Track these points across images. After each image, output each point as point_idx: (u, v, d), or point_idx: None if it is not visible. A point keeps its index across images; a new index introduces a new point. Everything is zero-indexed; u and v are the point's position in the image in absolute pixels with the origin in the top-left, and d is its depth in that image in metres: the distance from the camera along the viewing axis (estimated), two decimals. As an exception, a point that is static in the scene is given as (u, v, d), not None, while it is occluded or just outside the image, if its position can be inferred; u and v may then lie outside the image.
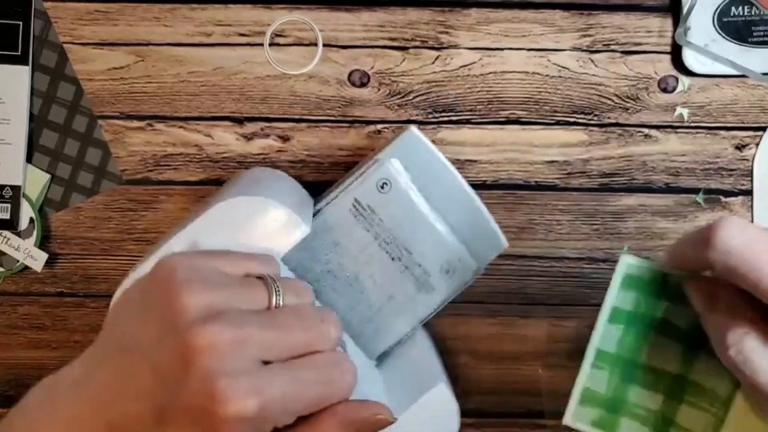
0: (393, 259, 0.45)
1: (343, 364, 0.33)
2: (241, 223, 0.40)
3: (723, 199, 0.50)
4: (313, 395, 0.31)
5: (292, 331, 0.31)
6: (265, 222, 0.40)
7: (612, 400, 0.37)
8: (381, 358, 0.47)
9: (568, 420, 0.38)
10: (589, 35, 0.50)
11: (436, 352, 0.46)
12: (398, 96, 0.50)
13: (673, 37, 0.49)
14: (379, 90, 0.50)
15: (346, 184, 0.44)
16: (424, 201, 0.45)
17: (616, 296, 0.36)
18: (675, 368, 0.36)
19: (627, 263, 0.36)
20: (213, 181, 0.51)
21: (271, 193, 0.42)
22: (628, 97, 0.50)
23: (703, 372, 0.35)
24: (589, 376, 0.37)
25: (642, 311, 0.36)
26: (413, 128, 0.44)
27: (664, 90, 0.50)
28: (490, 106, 0.50)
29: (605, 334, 0.36)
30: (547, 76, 0.50)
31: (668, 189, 0.51)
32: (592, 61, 0.50)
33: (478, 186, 0.51)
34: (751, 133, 0.50)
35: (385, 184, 0.44)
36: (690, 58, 0.48)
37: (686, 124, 0.50)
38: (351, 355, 0.40)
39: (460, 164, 0.51)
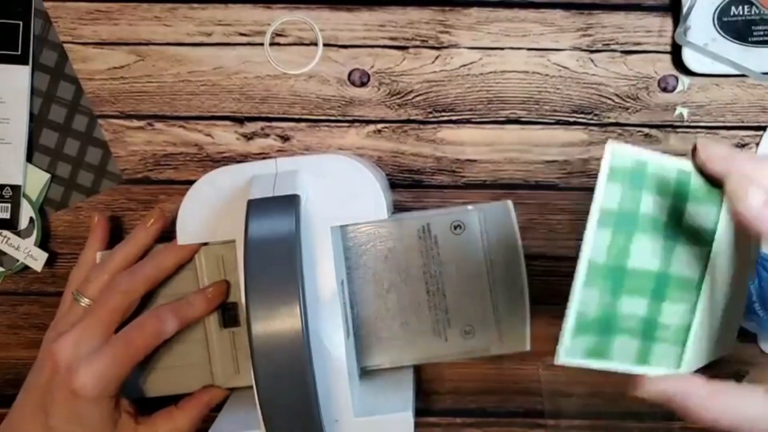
0: (428, 292, 0.47)
1: (134, 329, 0.44)
2: (339, 178, 0.43)
3: (723, 198, 0.50)
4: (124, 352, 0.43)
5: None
6: (359, 189, 0.43)
7: (603, 320, 0.33)
8: (366, 371, 0.47)
9: (561, 359, 0.33)
10: (589, 35, 0.50)
11: (414, 382, 0.47)
12: (398, 95, 0.50)
13: (673, 37, 0.49)
14: (379, 89, 0.50)
15: (428, 211, 0.47)
16: (484, 263, 0.47)
17: (605, 192, 0.32)
18: (656, 265, 0.33)
19: (614, 151, 0.32)
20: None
21: (373, 173, 0.45)
22: (628, 97, 0.50)
23: (681, 262, 0.34)
24: (580, 298, 0.32)
25: (627, 208, 0.32)
26: (509, 202, 0.46)
27: (664, 89, 0.50)
28: (490, 105, 0.50)
29: (596, 242, 0.32)
30: (547, 75, 0.50)
31: (668, 188, 0.51)
32: (592, 60, 0.50)
33: (478, 186, 0.51)
34: (751, 132, 0.50)
35: (460, 227, 0.46)
36: (690, 57, 0.48)
37: (686, 124, 0.50)
38: (340, 352, 0.41)
39: (460, 164, 0.51)
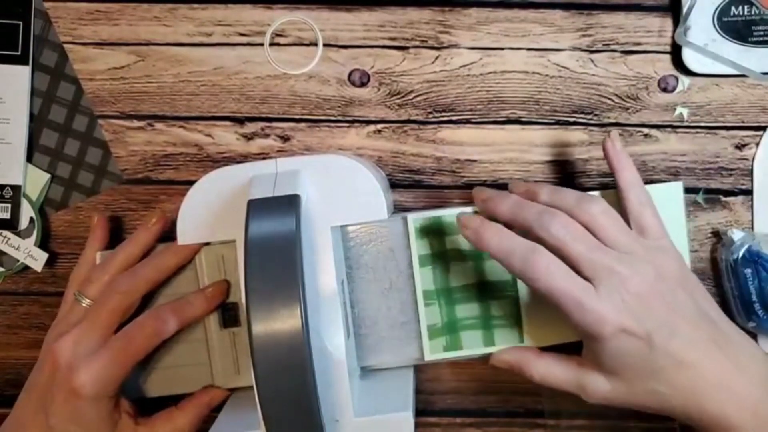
0: None
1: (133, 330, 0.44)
2: (339, 178, 0.43)
3: (723, 198, 0.50)
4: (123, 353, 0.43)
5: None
6: (359, 189, 0.43)
7: (448, 325, 0.46)
8: (366, 371, 0.47)
9: (427, 357, 0.46)
10: (589, 35, 0.50)
11: (414, 382, 0.47)
12: (398, 96, 0.50)
13: (673, 37, 0.49)
14: (379, 90, 0.50)
15: (428, 211, 0.46)
16: None
17: (416, 246, 0.46)
18: (474, 278, 0.46)
19: (413, 219, 0.46)
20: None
21: (373, 173, 0.44)
22: (628, 97, 0.50)
23: (492, 270, 0.46)
24: (425, 315, 0.46)
25: (437, 249, 0.46)
26: None
27: (664, 90, 0.50)
28: (490, 105, 0.50)
29: (422, 277, 0.46)
30: (547, 75, 0.50)
31: (668, 189, 0.51)
32: (592, 60, 0.50)
33: (477, 185, 0.51)
34: (751, 132, 0.50)
35: None
36: (690, 57, 0.48)
37: (686, 124, 0.50)
38: (340, 352, 0.41)
39: (460, 164, 0.51)
